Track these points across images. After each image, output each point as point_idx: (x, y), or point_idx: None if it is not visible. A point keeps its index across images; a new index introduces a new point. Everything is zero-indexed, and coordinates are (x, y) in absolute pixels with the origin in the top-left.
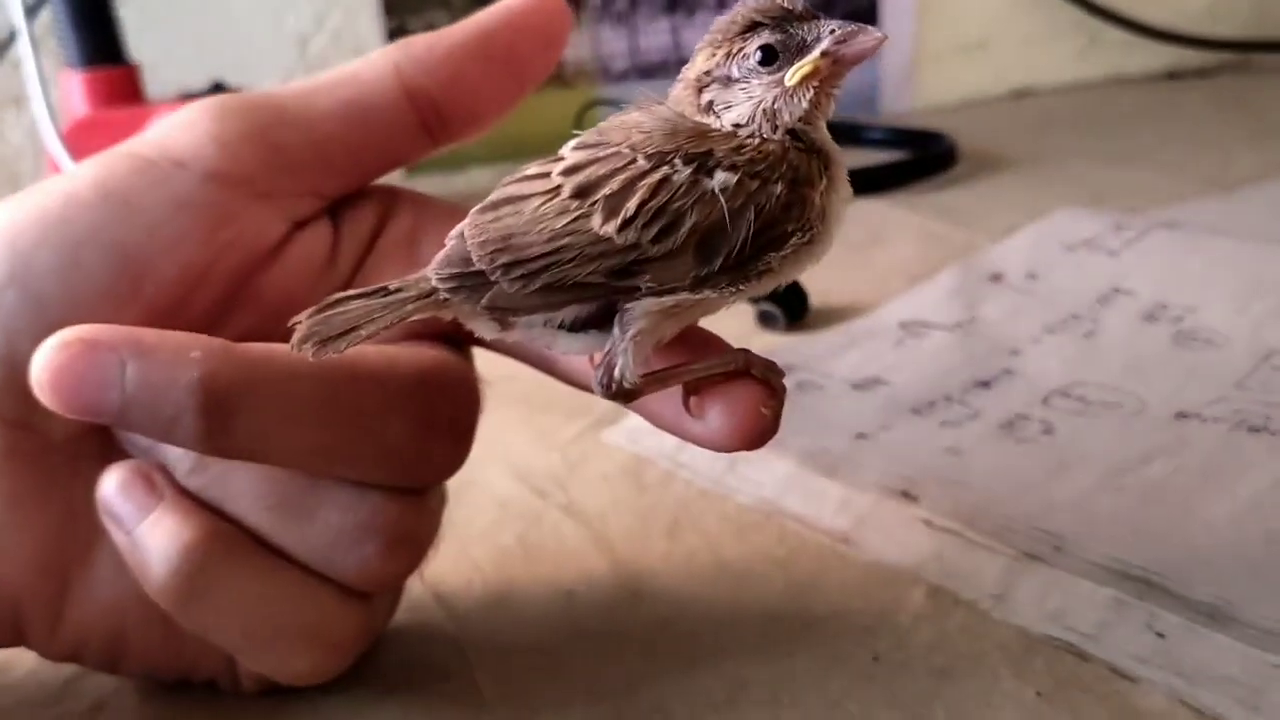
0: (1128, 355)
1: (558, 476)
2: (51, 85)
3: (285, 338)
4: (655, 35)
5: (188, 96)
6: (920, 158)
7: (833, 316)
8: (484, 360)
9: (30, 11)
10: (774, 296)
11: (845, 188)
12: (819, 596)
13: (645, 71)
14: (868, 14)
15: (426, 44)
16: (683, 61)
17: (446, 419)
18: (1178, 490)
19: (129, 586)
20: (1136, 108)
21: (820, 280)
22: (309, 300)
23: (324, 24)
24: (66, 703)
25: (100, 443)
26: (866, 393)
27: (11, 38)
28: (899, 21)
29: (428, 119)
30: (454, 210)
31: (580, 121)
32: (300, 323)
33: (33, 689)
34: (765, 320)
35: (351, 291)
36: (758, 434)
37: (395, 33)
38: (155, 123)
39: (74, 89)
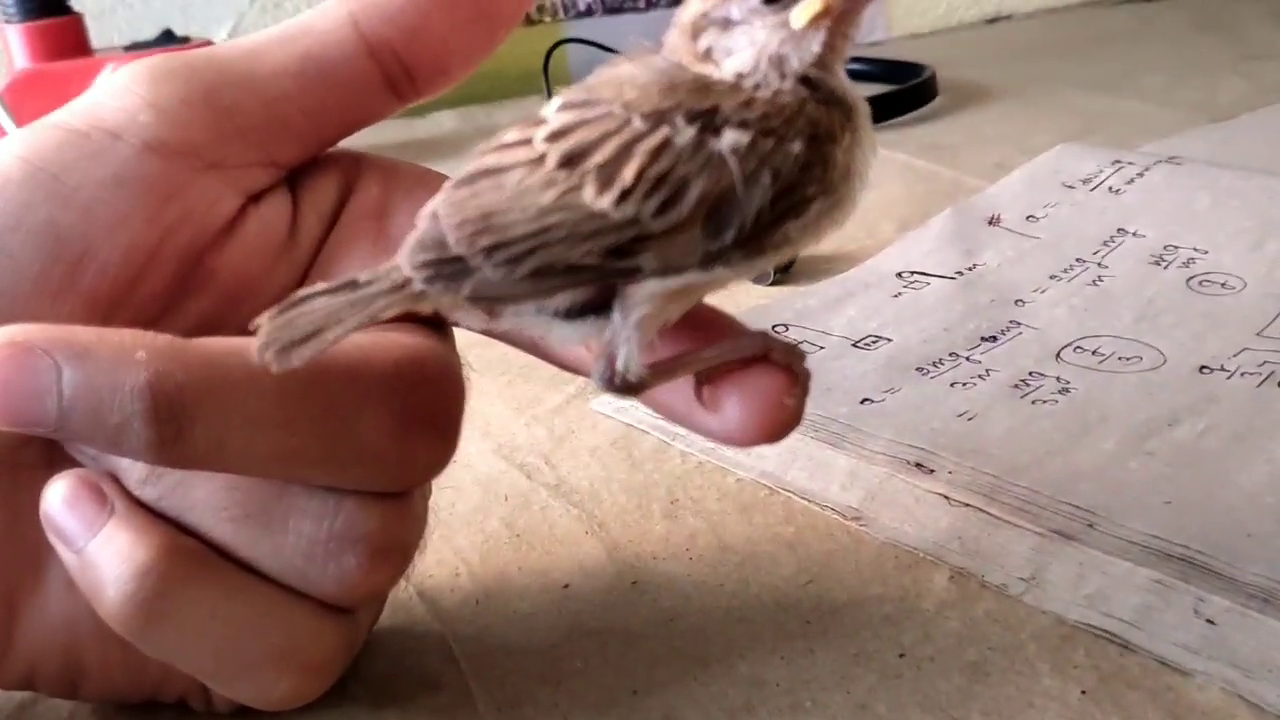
0: (1140, 303)
1: (544, 452)
2: None
3: (243, 325)
4: None
5: (136, 46)
6: (900, 91)
7: (821, 267)
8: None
9: None
10: None
11: (870, 140)
12: (834, 582)
13: (612, 8)
14: None
15: None
16: None
17: (428, 413)
18: (1209, 454)
19: (82, 605)
20: (1115, 31)
21: None
22: (268, 281)
23: None
24: None
25: (44, 449)
26: (868, 352)
27: None
28: None
29: (391, 73)
30: (427, 176)
31: (549, 63)
32: (260, 326)
33: None
34: None
35: (316, 287)
36: (779, 427)
37: None
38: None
39: (14, 43)
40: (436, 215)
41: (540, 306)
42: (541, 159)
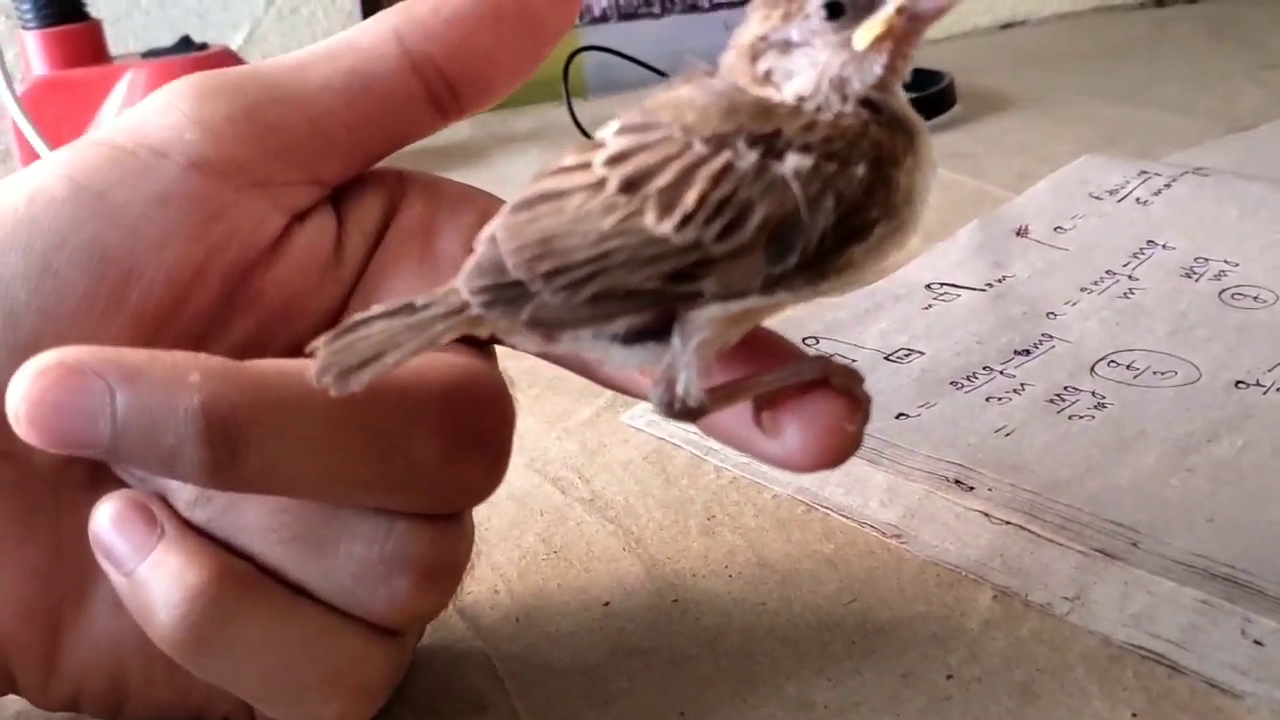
0: (1172, 316)
1: (577, 466)
2: (6, 45)
3: (289, 343)
4: None
5: (154, 53)
6: (919, 99)
7: None
8: None
9: None
10: None
11: (930, 161)
12: (877, 601)
13: (627, 14)
14: None
15: (431, 5)
16: (666, 1)
17: (479, 435)
18: (1249, 470)
19: (128, 625)
20: (1130, 38)
21: None
22: (313, 300)
23: None
24: None
25: (88, 469)
26: (901, 365)
27: None
28: None
29: (436, 90)
30: (471, 194)
31: (568, 71)
32: (318, 349)
33: None
34: None
35: (373, 310)
36: (840, 452)
37: None
38: (118, 97)
39: (32, 49)
40: (495, 239)
41: (598, 331)
42: (601, 183)
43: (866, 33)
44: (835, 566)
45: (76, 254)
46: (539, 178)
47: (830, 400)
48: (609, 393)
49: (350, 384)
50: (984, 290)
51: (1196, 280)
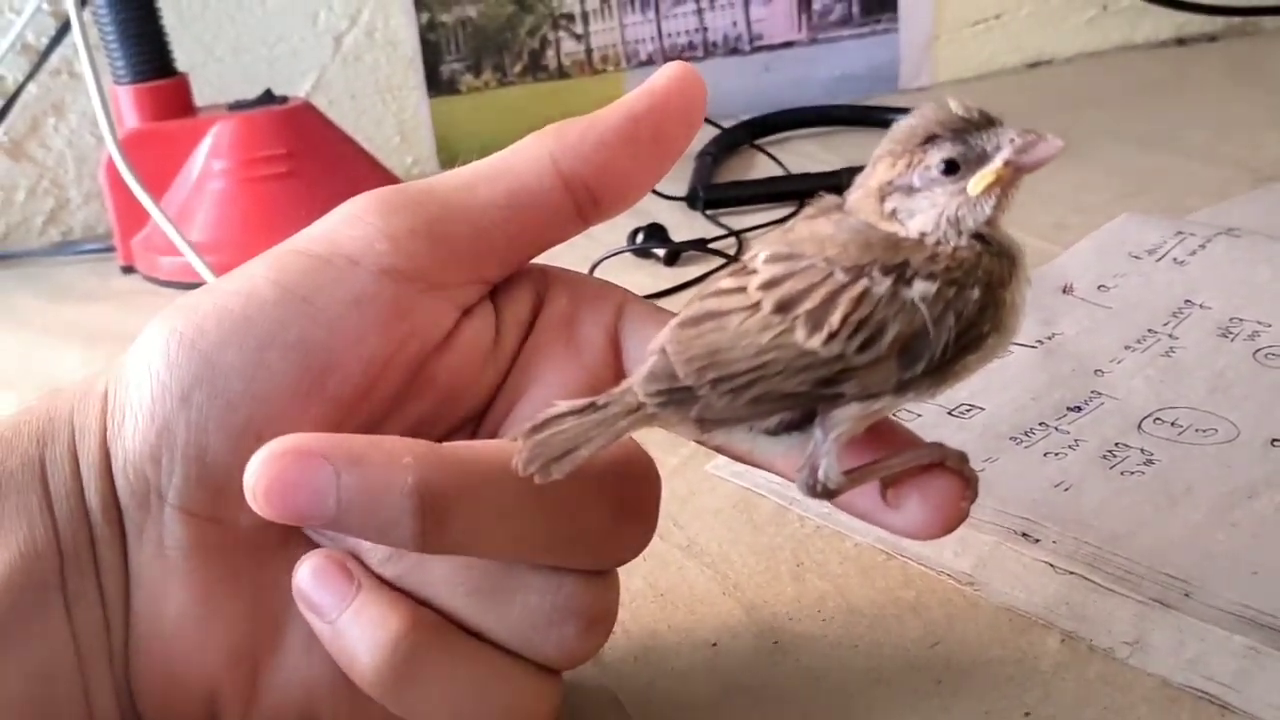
0: (1210, 375)
1: (671, 513)
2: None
3: (456, 420)
4: (681, 19)
5: (239, 106)
6: None
7: None
8: None
9: (62, 33)
10: None
11: (1028, 279)
12: (957, 644)
13: (671, 58)
14: None
15: (578, 132)
16: (709, 45)
17: (636, 502)
18: None
19: (316, 665)
20: (1153, 80)
21: None
22: (476, 383)
23: (357, 20)
24: None
25: (282, 532)
26: (964, 420)
27: (51, 46)
28: None
29: (581, 203)
30: (607, 288)
31: None
32: (520, 443)
33: None
34: None
35: (562, 407)
36: (953, 523)
37: (428, 26)
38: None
39: (125, 103)
40: (665, 351)
41: (751, 425)
42: (757, 305)
43: (979, 182)
44: (917, 612)
45: (285, 350)
46: (700, 298)
47: (946, 479)
48: (692, 443)
49: (553, 473)
50: (1035, 347)
51: (1232, 340)
